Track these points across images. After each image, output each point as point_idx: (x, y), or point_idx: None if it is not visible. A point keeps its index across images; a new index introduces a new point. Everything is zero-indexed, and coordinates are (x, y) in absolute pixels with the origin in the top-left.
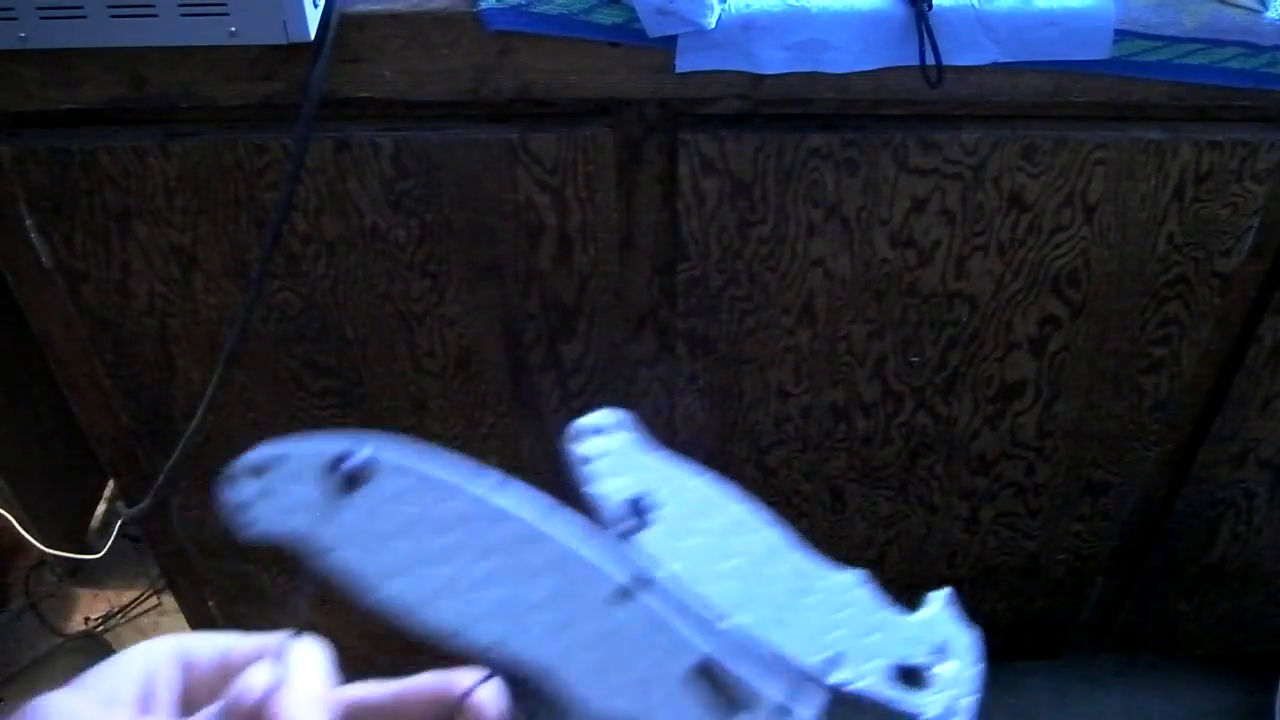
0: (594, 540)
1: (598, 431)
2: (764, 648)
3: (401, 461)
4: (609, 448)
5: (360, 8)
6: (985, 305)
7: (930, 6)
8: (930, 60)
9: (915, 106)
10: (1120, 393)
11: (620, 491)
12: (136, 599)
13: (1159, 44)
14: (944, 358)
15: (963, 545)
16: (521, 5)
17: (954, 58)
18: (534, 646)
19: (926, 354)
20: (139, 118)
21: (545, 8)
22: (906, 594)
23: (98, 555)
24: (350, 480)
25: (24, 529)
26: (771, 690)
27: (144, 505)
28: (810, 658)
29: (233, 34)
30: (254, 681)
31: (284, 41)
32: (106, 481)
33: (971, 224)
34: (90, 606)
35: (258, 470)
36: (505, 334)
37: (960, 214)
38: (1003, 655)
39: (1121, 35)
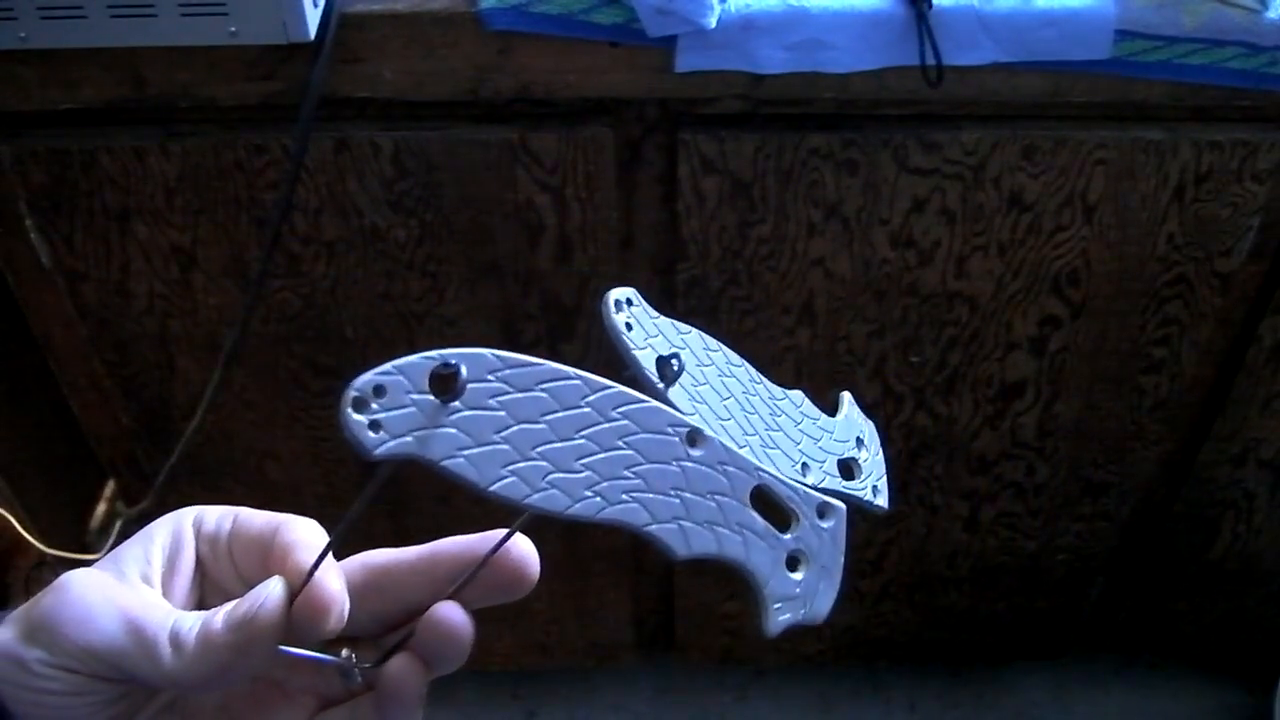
0: (651, 400)
1: (628, 303)
2: (768, 474)
3: (489, 363)
4: (637, 316)
5: (360, 8)
6: (985, 305)
7: (930, 6)
8: (930, 60)
9: (915, 106)
10: (1120, 393)
11: (652, 354)
12: None
13: (1159, 44)
14: (944, 358)
15: (963, 545)
16: (521, 5)
17: (954, 58)
18: (632, 506)
19: (926, 354)
20: (139, 118)
21: (545, 8)
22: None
23: (98, 555)
24: (445, 388)
25: (24, 529)
26: (803, 500)
27: (144, 505)
28: (789, 471)
29: (233, 34)
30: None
31: (284, 41)
32: (106, 481)
33: (971, 224)
34: None
35: (378, 391)
36: (505, 334)
37: (960, 214)
38: (1003, 655)
39: (1121, 35)
